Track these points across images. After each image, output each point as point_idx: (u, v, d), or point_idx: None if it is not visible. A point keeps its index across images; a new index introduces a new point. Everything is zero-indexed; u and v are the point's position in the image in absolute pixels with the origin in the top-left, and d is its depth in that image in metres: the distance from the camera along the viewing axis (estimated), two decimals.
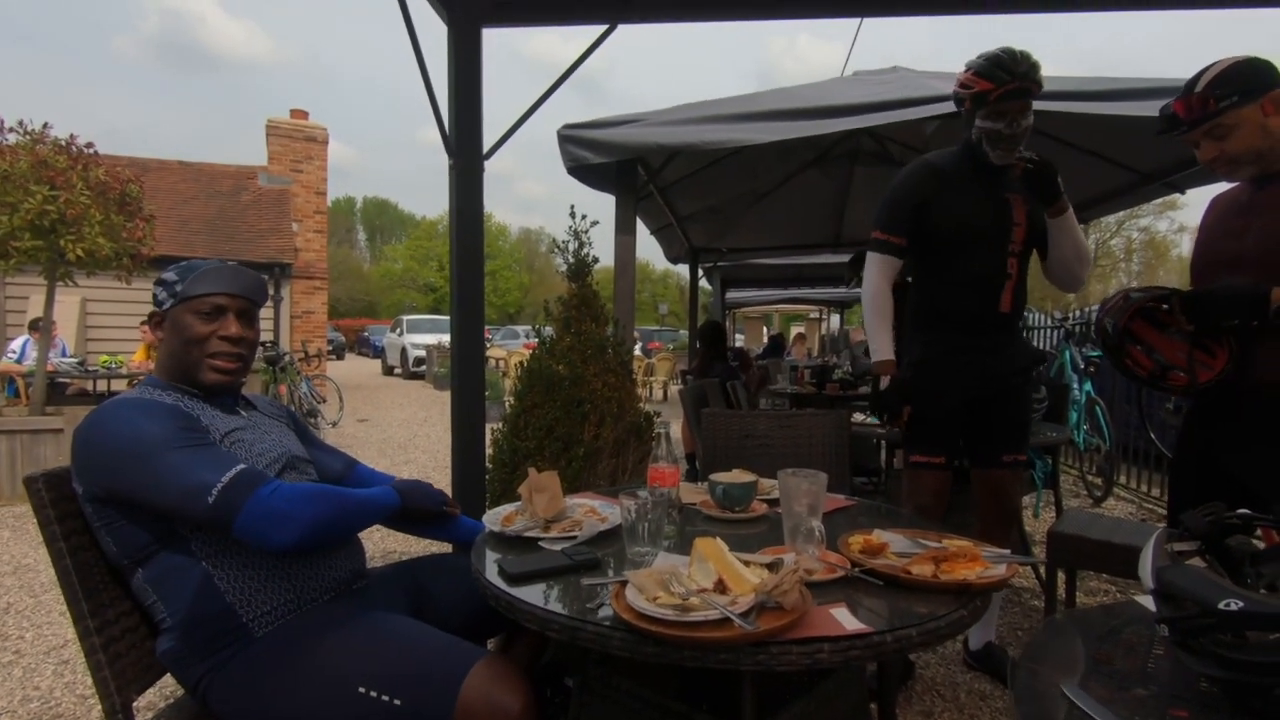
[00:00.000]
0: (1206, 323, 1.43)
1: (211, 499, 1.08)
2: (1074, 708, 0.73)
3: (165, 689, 2.11)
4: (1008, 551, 1.20)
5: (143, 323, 7.23)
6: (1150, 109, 2.69)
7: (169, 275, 1.29)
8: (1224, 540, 0.83)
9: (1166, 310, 1.47)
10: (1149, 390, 4.89)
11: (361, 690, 1.08)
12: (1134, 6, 2.43)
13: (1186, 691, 0.78)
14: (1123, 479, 5.03)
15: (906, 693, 2.20)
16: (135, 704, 1.20)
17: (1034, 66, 1.85)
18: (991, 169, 1.95)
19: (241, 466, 1.13)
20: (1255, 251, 1.45)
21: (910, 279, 2.18)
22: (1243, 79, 1.39)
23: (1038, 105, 2.73)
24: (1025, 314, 2.10)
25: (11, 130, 4.64)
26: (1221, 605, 0.65)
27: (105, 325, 9.06)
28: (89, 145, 4.82)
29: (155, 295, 1.30)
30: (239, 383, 1.36)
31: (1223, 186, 1.66)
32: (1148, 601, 1.00)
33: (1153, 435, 4.67)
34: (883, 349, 1.99)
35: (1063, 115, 2.79)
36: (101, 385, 6.87)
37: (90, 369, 6.63)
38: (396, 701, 1.07)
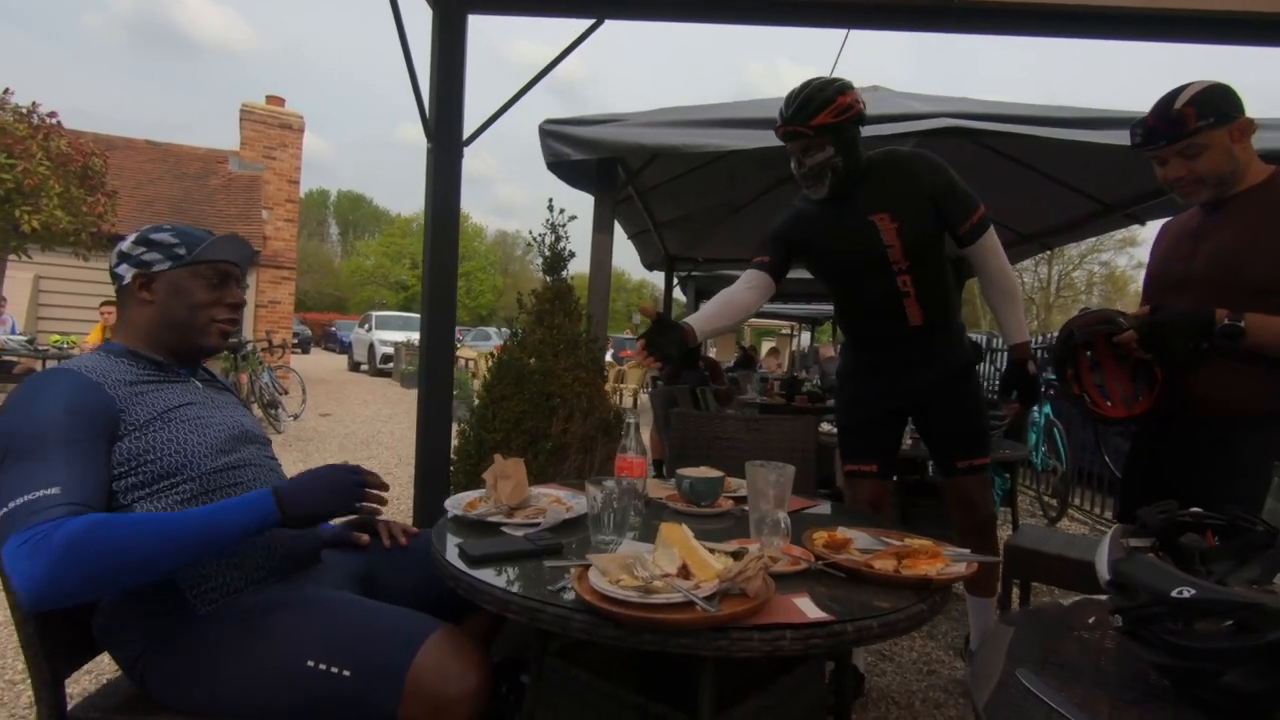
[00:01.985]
0: (1162, 353, 1.48)
1: None
2: (1028, 693, 0.74)
3: (101, 675, 2.02)
4: (968, 551, 1.22)
5: (103, 304, 7.03)
6: (1115, 138, 2.79)
7: (163, 237, 1.24)
8: (1177, 538, 0.85)
9: (1125, 337, 1.51)
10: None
11: (310, 664, 1.05)
12: (1109, 35, 2.51)
13: (1136, 684, 0.79)
14: (1077, 500, 5.17)
15: (861, 700, 2.22)
16: (69, 689, 1.14)
17: (803, 108, 1.76)
18: (848, 197, 1.89)
19: (29, 497, 0.95)
20: (1203, 274, 1.50)
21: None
22: (1219, 102, 1.43)
23: (1008, 128, 2.83)
24: (949, 321, 2.01)
25: None
26: (1174, 593, 0.66)
27: (58, 304, 8.74)
28: (52, 115, 4.67)
29: (139, 256, 1.23)
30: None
31: (1172, 217, 1.73)
32: (1099, 600, 1.03)
33: (1107, 459, 4.80)
34: (695, 315, 1.87)
35: (1031, 140, 2.87)
36: (52, 365, 6.62)
37: (40, 348, 6.39)
38: (346, 673, 1.04)
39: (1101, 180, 3.99)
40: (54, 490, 0.96)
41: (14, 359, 6.26)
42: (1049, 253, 6.26)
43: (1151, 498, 1.60)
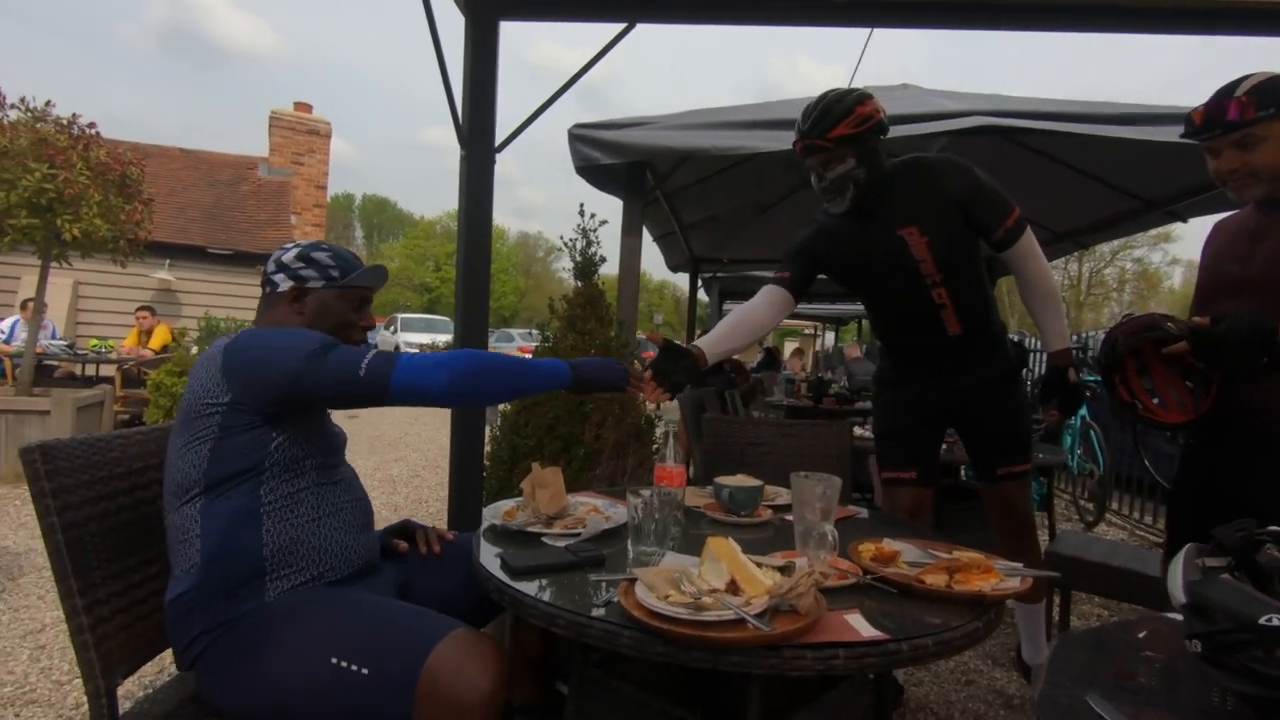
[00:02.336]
0: (1218, 366, 1.41)
1: (362, 372, 1.15)
2: None
3: (144, 678, 2.06)
4: (1020, 565, 1.19)
5: (139, 309, 7.19)
6: (1157, 134, 2.71)
7: (321, 256, 1.34)
8: (1254, 556, 0.82)
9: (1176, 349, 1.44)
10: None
11: (334, 661, 1.07)
12: (1140, 28, 2.43)
13: (1212, 710, 0.76)
14: (1115, 505, 5.04)
15: (899, 711, 2.18)
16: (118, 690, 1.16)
17: (820, 121, 1.71)
18: (873, 210, 1.83)
19: (374, 349, 1.21)
20: (1260, 276, 1.43)
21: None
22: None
23: (1047, 125, 2.76)
24: (990, 325, 1.97)
25: (13, 106, 4.59)
26: (1263, 620, 0.63)
27: (96, 309, 8.96)
28: (91, 125, 4.77)
29: (298, 271, 1.32)
30: None
31: (1225, 215, 1.66)
32: (1167, 620, 0.99)
33: (1146, 462, 4.68)
34: (707, 337, 1.83)
35: (1065, 137, 2.80)
36: (90, 369, 6.78)
37: (79, 352, 6.55)
38: (364, 671, 1.05)
39: (1141, 176, 3.89)
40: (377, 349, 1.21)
41: (55, 363, 6.42)
42: (1080, 250, 6.12)
43: (1203, 505, 1.55)
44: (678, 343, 1.67)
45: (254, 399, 1.17)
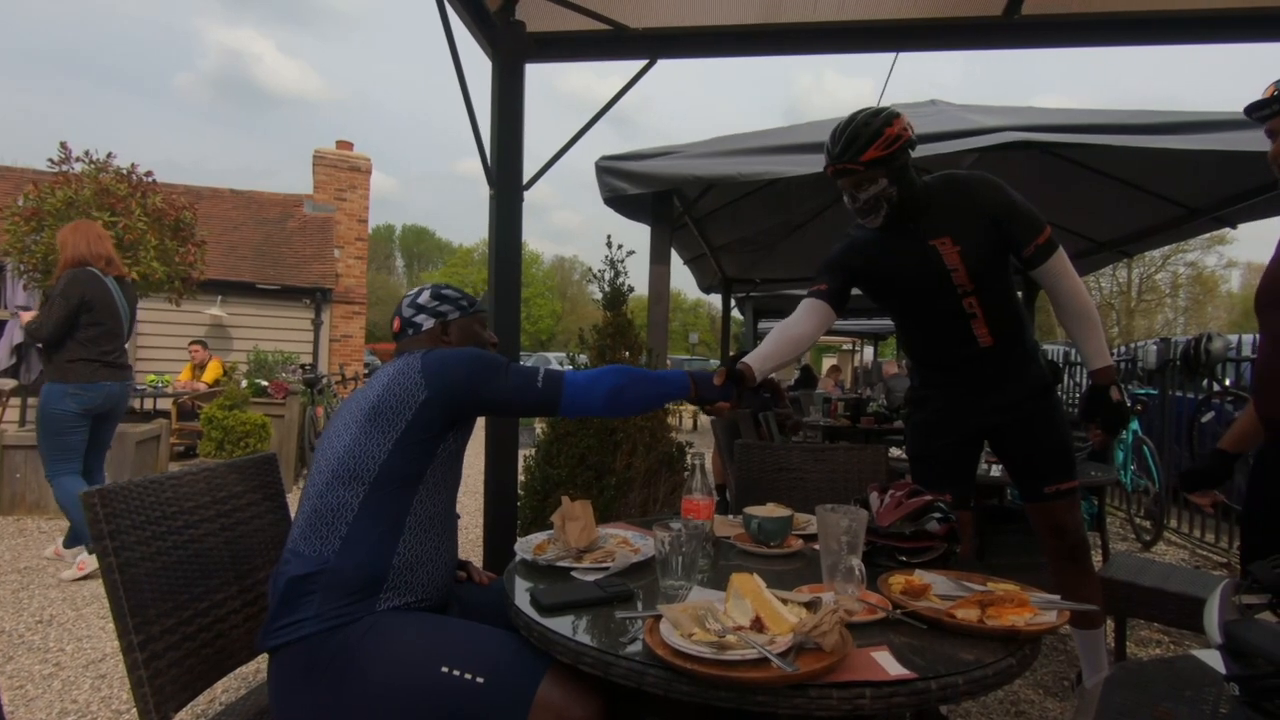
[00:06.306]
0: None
1: (540, 384, 1.34)
2: None
3: (196, 707, 2.13)
4: (1057, 597, 1.16)
5: (192, 344, 7.51)
6: (1197, 142, 2.64)
7: (450, 293, 1.52)
8: None
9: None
10: (1201, 430, 4.72)
11: (444, 670, 1.11)
12: (1160, 40, 2.39)
13: None
14: (1174, 523, 4.82)
15: None
16: None
17: (849, 145, 1.74)
18: (904, 223, 1.84)
19: (545, 368, 1.39)
20: None
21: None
22: None
23: (1077, 138, 2.72)
24: (1022, 339, 1.94)
25: (78, 160, 4.89)
26: None
27: (153, 345, 9.37)
28: (148, 174, 5.06)
29: (436, 308, 1.48)
30: None
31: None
32: (1208, 656, 0.95)
33: None
34: (753, 354, 1.82)
35: (1103, 148, 2.75)
36: (148, 404, 7.08)
37: (138, 387, 6.85)
38: (479, 680, 1.10)
39: (1185, 184, 3.78)
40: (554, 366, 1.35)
41: None
42: (1125, 259, 5.93)
43: (1278, 530, 1.48)
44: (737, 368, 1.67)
45: (448, 397, 1.27)
